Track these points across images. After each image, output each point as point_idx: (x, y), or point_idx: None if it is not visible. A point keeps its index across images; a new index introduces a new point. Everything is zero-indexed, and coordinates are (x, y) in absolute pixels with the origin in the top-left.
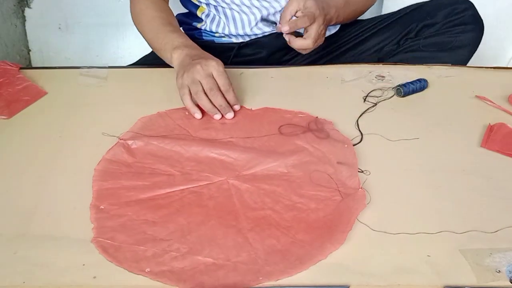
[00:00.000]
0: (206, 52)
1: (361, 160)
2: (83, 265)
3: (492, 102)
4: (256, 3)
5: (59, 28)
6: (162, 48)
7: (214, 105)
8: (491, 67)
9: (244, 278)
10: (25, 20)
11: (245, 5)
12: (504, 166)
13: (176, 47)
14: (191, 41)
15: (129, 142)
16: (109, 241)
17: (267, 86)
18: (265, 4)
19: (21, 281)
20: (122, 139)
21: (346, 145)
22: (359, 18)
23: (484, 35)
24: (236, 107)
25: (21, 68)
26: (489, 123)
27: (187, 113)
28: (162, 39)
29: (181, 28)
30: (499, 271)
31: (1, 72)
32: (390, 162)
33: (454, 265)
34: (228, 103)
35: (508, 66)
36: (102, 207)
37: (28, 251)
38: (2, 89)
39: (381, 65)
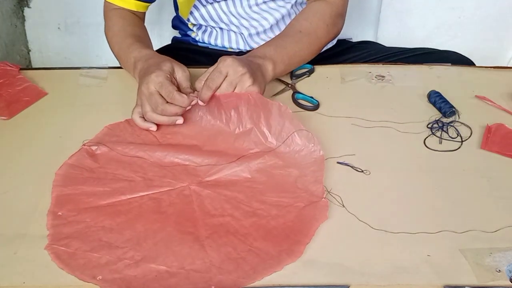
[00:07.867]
0: (152, 63)
1: (361, 159)
2: None
3: (492, 102)
4: (245, 23)
5: (58, 28)
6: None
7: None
8: (491, 67)
9: (195, 286)
10: (24, 20)
11: (234, 25)
12: (504, 166)
13: (135, 61)
14: (145, 51)
15: (93, 147)
16: (63, 248)
17: (267, 86)
18: (254, 23)
19: (21, 281)
20: (86, 145)
21: (312, 146)
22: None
23: (484, 35)
24: (195, 102)
25: (21, 69)
26: (487, 124)
27: None
28: (124, 56)
29: (178, 32)
30: (499, 270)
31: (1, 73)
32: (390, 162)
33: (454, 265)
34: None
35: (508, 66)
36: (60, 213)
37: (28, 251)
38: (2, 90)
39: (381, 65)
